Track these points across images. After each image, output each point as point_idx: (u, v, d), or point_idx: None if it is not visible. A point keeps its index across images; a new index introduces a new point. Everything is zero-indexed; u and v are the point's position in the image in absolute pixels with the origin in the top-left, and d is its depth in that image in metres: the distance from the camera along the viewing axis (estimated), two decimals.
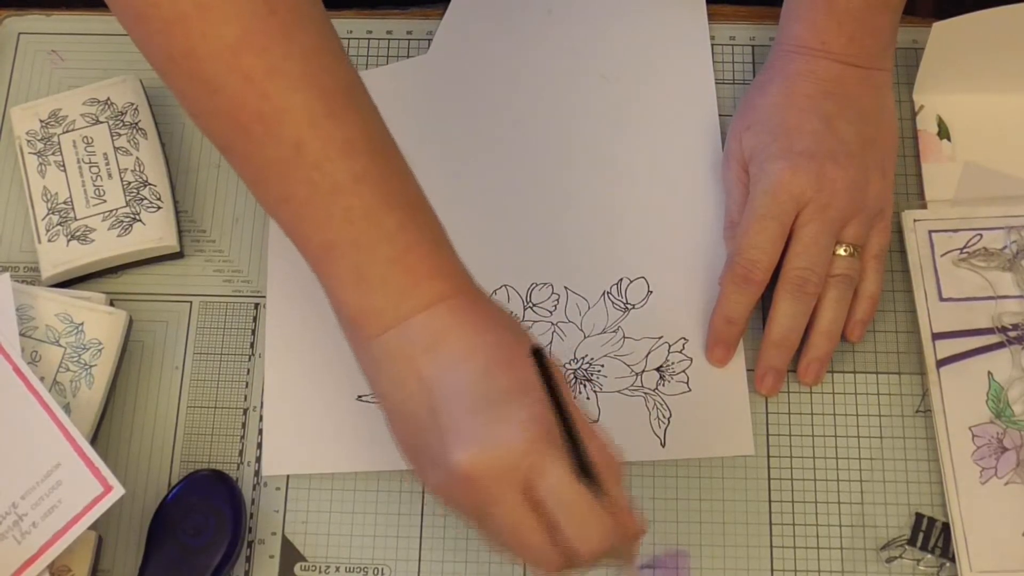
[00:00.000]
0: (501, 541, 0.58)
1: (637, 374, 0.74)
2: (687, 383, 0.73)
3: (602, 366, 0.74)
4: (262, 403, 0.74)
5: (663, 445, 0.72)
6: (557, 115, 0.80)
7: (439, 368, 0.57)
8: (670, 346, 0.74)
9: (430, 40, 0.83)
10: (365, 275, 0.58)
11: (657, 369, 0.74)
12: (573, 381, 0.73)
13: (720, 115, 0.80)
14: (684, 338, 0.74)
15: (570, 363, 0.74)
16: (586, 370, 0.74)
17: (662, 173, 0.78)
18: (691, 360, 0.74)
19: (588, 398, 0.73)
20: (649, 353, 0.74)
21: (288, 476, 0.73)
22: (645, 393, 0.73)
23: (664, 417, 0.72)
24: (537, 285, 0.76)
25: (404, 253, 0.58)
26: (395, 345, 0.58)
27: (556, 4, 0.83)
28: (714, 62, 0.82)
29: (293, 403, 0.74)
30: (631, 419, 0.72)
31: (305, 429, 0.73)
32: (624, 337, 0.75)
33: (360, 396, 0.73)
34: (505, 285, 0.76)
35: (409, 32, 0.84)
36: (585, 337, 0.75)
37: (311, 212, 0.58)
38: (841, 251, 0.72)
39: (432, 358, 0.57)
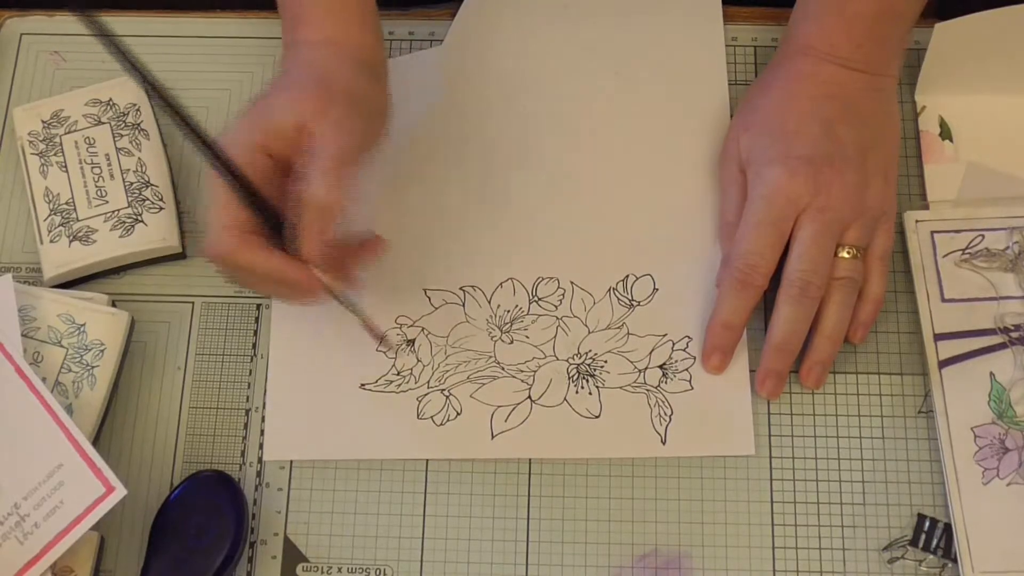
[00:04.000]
0: None
1: (640, 371, 0.74)
2: (690, 381, 0.73)
3: (605, 362, 0.74)
4: (265, 404, 0.74)
5: (664, 442, 0.72)
6: (568, 110, 0.80)
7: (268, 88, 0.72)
8: (674, 344, 0.74)
9: (431, 41, 0.83)
10: (282, 11, 0.76)
11: (660, 366, 0.74)
12: (576, 376, 0.74)
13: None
14: (688, 336, 0.74)
15: (574, 357, 0.74)
16: (589, 365, 0.74)
17: (672, 171, 0.78)
18: (694, 359, 0.74)
19: (591, 393, 0.73)
20: (653, 350, 0.74)
21: (290, 476, 0.73)
22: (647, 390, 0.73)
23: (666, 415, 0.73)
24: (543, 279, 0.76)
25: (297, 3, 0.74)
26: (287, 57, 0.75)
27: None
28: None
29: (296, 390, 0.74)
30: (632, 415, 0.73)
31: (308, 416, 0.73)
32: (628, 334, 0.75)
33: (363, 384, 0.74)
34: (511, 278, 0.76)
35: (411, 32, 0.84)
36: (589, 332, 0.75)
37: None
38: (844, 253, 0.72)
39: (272, 82, 0.73)
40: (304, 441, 0.73)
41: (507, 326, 0.75)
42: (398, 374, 0.74)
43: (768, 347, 0.72)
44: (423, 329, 0.75)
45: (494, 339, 0.75)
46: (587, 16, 0.83)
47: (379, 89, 0.73)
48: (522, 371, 0.74)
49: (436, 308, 0.76)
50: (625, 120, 0.80)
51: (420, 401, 0.73)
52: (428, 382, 0.74)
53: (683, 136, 0.79)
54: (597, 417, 0.73)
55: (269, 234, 0.68)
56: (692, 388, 0.73)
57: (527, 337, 0.75)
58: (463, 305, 0.76)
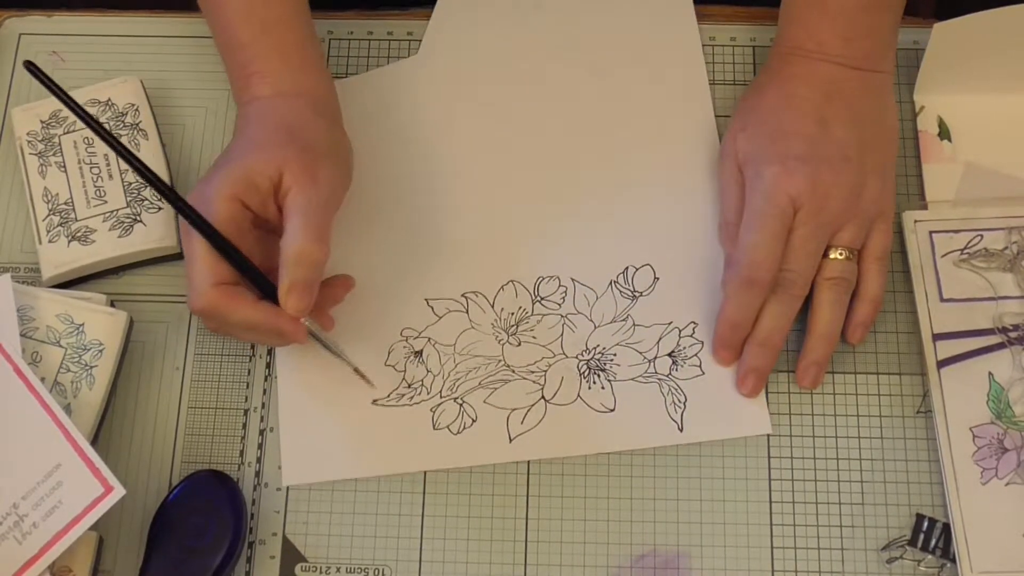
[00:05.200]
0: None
1: (650, 360, 0.74)
2: (700, 366, 0.73)
3: (614, 355, 0.74)
4: (263, 404, 0.74)
5: (681, 429, 0.72)
6: (552, 110, 0.80)
7: (233, 145, 0.73)
8: (680, 331, 0.74)
9: None
10: (229, 72, 0.77)
11: (669, 354, 0.74)
12: (587, 372, 0.74)
13: (721, 116, 0.80)
14: (694, 322, 0.74)
15: (582, 354, 0.74)
16: (599, 360, 0.74)
17: (659, 160, 0.79)
18: (702, 344, 0.74)
19: (603, 388, 0.73)
20: (660, 339, 0.74)
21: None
22: (659, 379, 0.73)
23: (680, 402, 0.73)
24: (544, 279, 0.76)
25: (247, 61, 0.74)
26: (238, 119, 0.75)
27: None
28: (715, 63, 0.82)
29: (309, 413, 0.74)
30: (647, 406, 0.73)
31: (323, 438, 0.73)
32: (634, 325, 0.75)
33: (375, 400, 0.73)
34: (512, 280, 0.76)
35: (409, 33, 0.84)
36: (596, 327, 0.75)
37: (213, 23, 0.77)
38: (837, 255, 0.72)
39: (235, 139, 0.73)
40: (322, 463, 0.73)
41: (513, 328, 0.75)
42: (409, 386, 0.74)
43: (750, 342, 0.72)
44: (430, 339, 0.75)
45: (501, 342, 0.75)
46: (560, 14, 0.83)
47: (341, 135, 0.75)
48: (533, 372, 0.74)
49: (440, 317, 0.75)
50: (608, 115, 0.80)
51: (434, 412, 0.73)
52: (440, 392, 0.74)
53: (667, 127, 0.79)
54: (612, 411, 0.73)
55: (250, 286, 0.69)
56: (703, 373, 0.73)
57: (534, 338, 0.75)
58: (467, 312, 0.76)
